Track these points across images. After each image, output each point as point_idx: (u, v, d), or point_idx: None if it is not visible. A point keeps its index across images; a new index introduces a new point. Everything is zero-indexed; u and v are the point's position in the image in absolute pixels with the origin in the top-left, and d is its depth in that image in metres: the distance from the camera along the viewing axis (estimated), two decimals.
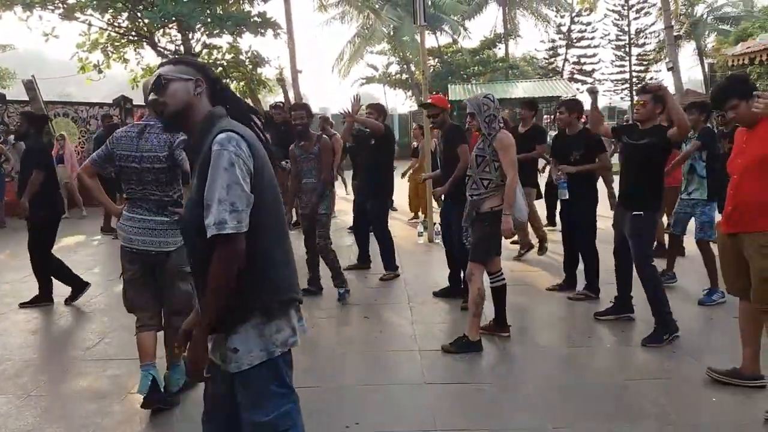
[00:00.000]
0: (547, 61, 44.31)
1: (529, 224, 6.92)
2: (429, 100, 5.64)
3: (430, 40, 32.81)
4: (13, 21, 14.67)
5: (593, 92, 4.98)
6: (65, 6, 14.88)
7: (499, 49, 38.05)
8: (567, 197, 5.41)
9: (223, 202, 1.73)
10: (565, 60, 43.37)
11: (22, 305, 5.56)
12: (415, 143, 10.39)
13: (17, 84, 21.37)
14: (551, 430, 3.20)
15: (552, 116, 25.84)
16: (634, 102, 4.58)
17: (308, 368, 4.15)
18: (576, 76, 42.97)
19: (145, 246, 3.45)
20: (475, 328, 4.31)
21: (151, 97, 1.92)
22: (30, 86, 12.20)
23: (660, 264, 4.96)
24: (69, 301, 5.63)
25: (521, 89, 29.16)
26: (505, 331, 4.54)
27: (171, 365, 3.66)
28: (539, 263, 6.89)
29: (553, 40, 43.18)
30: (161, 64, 2.00)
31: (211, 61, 17.53)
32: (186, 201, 1.96)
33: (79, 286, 5.70)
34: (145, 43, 16.67)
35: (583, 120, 5.80)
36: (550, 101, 29.07)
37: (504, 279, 4.52)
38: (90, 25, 15.83)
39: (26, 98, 12.58)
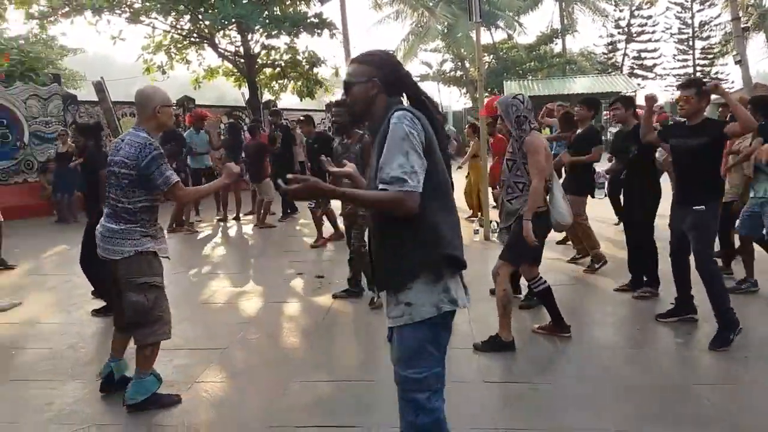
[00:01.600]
0: (605, 56, 43.22)
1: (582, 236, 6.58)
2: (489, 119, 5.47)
3: (485, 37, 32.55)
4: (83, 26, 15.36)
5: (653, 100, 4.77)
6: (131, 10, 15.47)
7: (556, 44, 37.35)
8: (603, 197, 5.33)
9: (403, 165, 1.97)
10: (625, 55, 42.20)
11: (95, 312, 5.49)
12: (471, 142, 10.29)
13: (87, 86, 22.30)
14: None
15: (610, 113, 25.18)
16: (678, 98, 4.35)
17: (363, 363, 4.22)
18: (636, 71, 41.75)
19: (101, 252, 3.42)
20: (506, 329, 4.24)
21: (342, 97, 2.28)
22: (99, 88, 12.71)
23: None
24: (97, 313, 5.41)
25: (579, 85, 28.50)
26: (565, 332, 4.48)
27: (134, 376, 3.55)
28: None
29: (612, 35, 42.09)
30: (351, 62, 2.31)
31: (269, 61, 17.90)
32: (370, 172, 2.22)
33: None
34: (206, 45, 17.18)
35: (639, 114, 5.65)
36: (609, 97, 28.35)
37: (545, 282, 4.45)
38: (154, 27, 16.44)
39: (96, 99, 13.14)
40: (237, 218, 10.73)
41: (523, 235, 4.11)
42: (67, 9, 15.00)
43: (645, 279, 5.40)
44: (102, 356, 4.12)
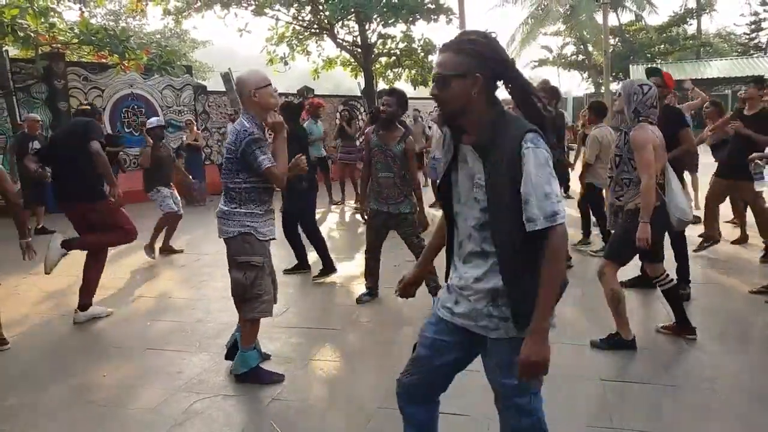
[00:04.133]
0: (747, 36, 39.53)
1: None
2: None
3: (611, 18, 30.91)
4: (212, 19, 16.41)
5: None
6: (256, 2, 16.22)
7: (690, 25, 34.74)
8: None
9: (550, 195, 1.78)
10: None
11: (286, 272, 6.28)
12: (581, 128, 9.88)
13: (215, 77, 23.68)
14: None
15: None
16: None
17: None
18: None
19: (218, 231, 3.62)
20: (625, 327, 4.00)
21: (433, 91, 1.94)
22: (227, 78, 13.44)
23: None
24: (317, 278, 6.09)
25: (715, 69, 26.29)
26: (690, 333, 4.18)
27: (240, 349, 3.72)
28: (738, 263, 6.22)
29: (756, 13, 38.35)
30: (440, 50, 1.93)
31: (385, 50, 18.11)
32: (477, 204, 1.94)
33: (329, 266, 6.15)
34: (325, 35, 17.66)
35: None
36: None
37: (672, 280, 4.17)
38: (277, 19, 17.13)
39: (223, 89, 13.92)
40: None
41: (627, 232, 3.85)
42: (199, 4, 16.01)
43: None
44: (226, 331, 4.38)
